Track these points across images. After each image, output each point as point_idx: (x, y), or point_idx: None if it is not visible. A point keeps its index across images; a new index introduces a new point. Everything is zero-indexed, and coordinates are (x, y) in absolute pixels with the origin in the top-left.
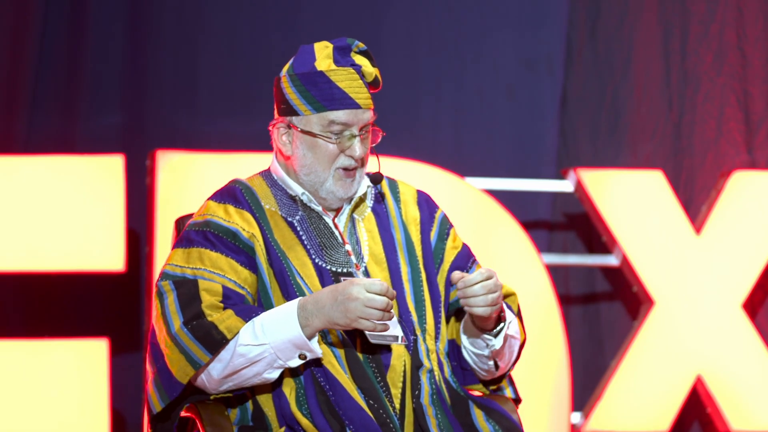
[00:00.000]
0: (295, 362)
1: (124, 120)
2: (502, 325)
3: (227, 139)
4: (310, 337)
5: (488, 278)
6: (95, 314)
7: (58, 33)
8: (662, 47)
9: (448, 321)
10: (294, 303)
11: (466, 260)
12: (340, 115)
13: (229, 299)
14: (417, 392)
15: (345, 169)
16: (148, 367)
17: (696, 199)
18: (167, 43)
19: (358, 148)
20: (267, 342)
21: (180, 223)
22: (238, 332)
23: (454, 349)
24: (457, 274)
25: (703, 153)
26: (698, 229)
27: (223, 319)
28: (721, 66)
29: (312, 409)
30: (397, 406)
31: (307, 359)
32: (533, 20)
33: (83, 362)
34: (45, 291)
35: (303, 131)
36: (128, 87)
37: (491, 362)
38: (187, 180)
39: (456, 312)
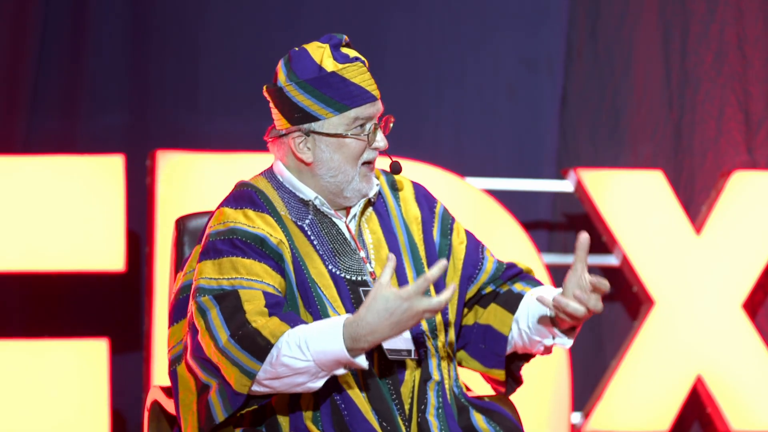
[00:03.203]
0: (340, 371)
1: (124, 120)
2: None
3: (228, 139)
4: (356, 356)
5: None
6: (95, 314)
7: (59, 33)
8: (662, 47)
9: (483, 305)
10: (339, 322)
11: (476, 251)
12: (362, 110)
13: (273, 304)
14: (423, 406)
15: (368, 162)
16: (207, 379)
17: (696, 199)
18: (168, 43)
19: (381, 138)
20: (310, 359)
21: (180, 223)
22: (281, 335)
23: (487, 334)
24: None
25: (703, 153)
26: (698, 229)
27: (267, 325)
28: (721, 66)
29: (325, 426)
30: (407, 421)
31: (353, 368)
32: (533, 20)
33: (83, 362)
34: (45, 291)
35: (328, 134)
36: (128, 87)
37: (541, 347)
38: (187, 180)
39: (494, 296)
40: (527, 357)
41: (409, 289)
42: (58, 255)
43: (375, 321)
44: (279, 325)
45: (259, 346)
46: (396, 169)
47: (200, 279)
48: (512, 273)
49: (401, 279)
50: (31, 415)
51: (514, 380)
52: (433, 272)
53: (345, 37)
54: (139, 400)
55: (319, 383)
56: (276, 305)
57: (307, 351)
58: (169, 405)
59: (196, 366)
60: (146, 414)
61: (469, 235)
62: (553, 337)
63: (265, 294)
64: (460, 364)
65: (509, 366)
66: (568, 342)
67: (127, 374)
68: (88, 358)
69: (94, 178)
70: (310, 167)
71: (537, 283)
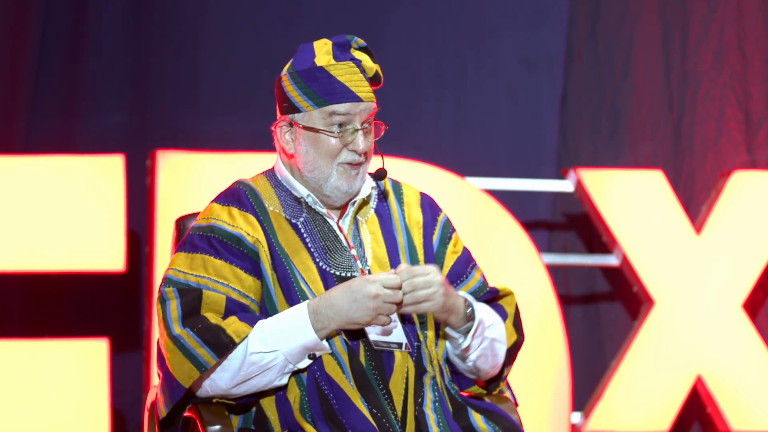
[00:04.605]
0: (305, 363)
1: (124, 120)
2: (469, 324)
3: (228, 139)
4: (320, 337)
5: (415, 276)
6: (95, 314)
7: (59, 33)
8: (662, 47)
9: None
10: (303, 307)
11: (465, 265)
12: (340, 108)
13: (231, 309)
14: (420, 399)
15: (349, 164)
16: (158, 372)
17: (696, 199)
18: (168, 43)
19: (361, 142)
20: (278, 348)
21: (180, 223)
22: (246, 337)
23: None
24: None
25: (703, 153)
26: (698, 229)
27: (229, 323)
28: (721, 66)
29: (315, 417)
30: (399, 413)
31: (316, 358)
32: (533, 20)
33: (83, 362)
34: (45, 291)
35: (305, 127)
36: (128, 87)
37: (470, 363)
38: (187, 180)
39: None
40: (492, 381)
41: (377, 274)
42: (58, 255)
43: (335, 297)
44: (242, 325)
45: (221, 342)
46: (380, 175)
47: (170, 269)
48: (487, 297)
49: None
50: (31, 415)
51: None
52: (402, 267)
53: (358, 39)
54: (139, 400)
55: (285, 379)
56: (232, 312)
57: (273, 341)
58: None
59: (158, 357)
60: (146, 414)
61: (465, 250)
62: (459, 344)
63: (228, 299)
64: None
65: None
66: (466, 341)
67: (127, 374)
68: (88, 358)
69: (94, 178)
70: (293, 160)
71: (496, 308)
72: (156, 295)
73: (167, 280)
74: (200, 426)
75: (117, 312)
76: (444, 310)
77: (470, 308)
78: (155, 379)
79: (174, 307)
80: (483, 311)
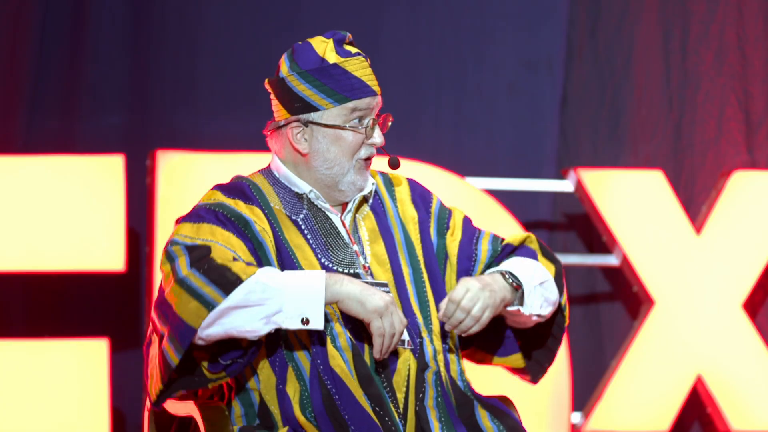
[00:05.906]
0: (293, 323)
1: (124, 120)
2: (519, 292)
3: (227, 139)
4: (327, 301)
5: (457, 300)
6: (95, 314)
7: (58, 33)
8: (662, 47)
9: None
10: (318, 270)
11: (469, 245)
12: (361, 103)
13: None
14: (421, 395)
15: (365, 159)
16: (161, 328)
17: (696, 199)
18: (167, 43)
19: (378, 135)
20: (283, 287)
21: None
22: (252, 274)
23: (491, 321)
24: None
25: (703, 153)
26: (698, 229)
27: (235, 263)
28: (721, 66)
29: (317, 412)
30: (401, 410)
31: (308, 327)
32: (533, 20)
33: (83, 362)
34: (45, 291)
35: (326, 125)
36: (128, 87)
37: (535, 318)
38: (187, 180)
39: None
40: (547, 336)
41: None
42: (58, 255)
43: (353, 282)
44: (248, 267)
45: (228, 280)
46: (394, 163)
47: (175, 235)
48: (506, 253)
49: (399, 276)
50: (31, 415)
51: (541, 363)
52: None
53: (348, 34)
54: (139, 400)
55: (264, 330)
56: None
57: (280, 278)
58: (168, 405)
59: (156, 318)
60: (146, 414)
61: (465, 229)
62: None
63: (236, 256)
64: (482, 363)
65: (532, 351)
66: (527, 308)
67: (127, 374)
68: (88, 358)
69: (94, 178)
70: (306, 159)
71: (524, 253)
72: (161, 256)
73: (173, 243)
74: (201, 425)
75: (117, 312)
76: (498, 304)
77: (510, 278)
78: None
79: (183, 261)
80: (518, 267)
